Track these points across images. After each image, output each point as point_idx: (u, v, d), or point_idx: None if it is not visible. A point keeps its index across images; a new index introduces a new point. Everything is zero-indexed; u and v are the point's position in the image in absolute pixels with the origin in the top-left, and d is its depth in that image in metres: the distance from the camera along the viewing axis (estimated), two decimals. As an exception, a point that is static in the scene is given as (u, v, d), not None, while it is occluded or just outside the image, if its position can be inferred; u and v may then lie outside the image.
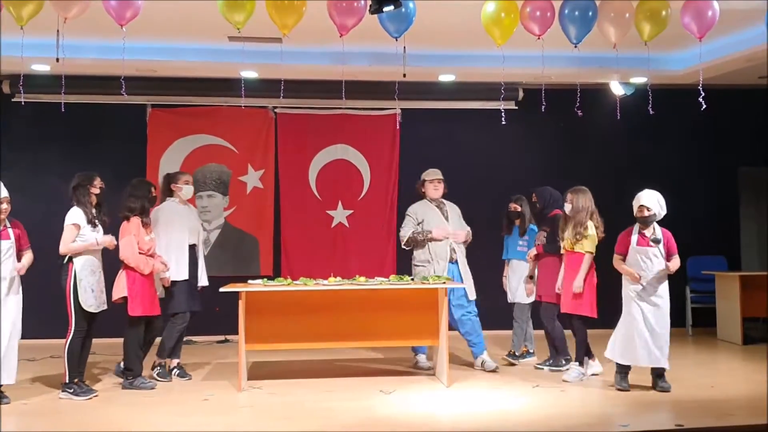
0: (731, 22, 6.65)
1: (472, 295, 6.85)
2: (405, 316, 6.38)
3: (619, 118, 7.07)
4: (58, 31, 5.56)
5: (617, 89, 8.58)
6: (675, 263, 5.87)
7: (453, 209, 7.09)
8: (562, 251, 6.48)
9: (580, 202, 6.40)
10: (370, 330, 6.37)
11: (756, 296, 8.27)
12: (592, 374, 6.49)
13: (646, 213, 5.91)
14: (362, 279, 6.43)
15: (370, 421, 5.10)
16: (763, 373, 6.48)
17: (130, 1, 5.37)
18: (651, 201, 5.93)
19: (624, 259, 6.02)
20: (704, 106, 5.82)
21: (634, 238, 5.98)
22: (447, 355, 6.20)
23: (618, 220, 6.88)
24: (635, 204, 6.00)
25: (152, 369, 6.43)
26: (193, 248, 6.58)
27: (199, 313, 6.69)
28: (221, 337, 8.86)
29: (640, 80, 8.40)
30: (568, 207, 6.46)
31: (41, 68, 7.88)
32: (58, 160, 8.82)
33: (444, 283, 6.31)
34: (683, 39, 6.42)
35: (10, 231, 5.55)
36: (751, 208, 9.88)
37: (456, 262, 6.89)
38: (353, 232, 9.30)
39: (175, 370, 6.56)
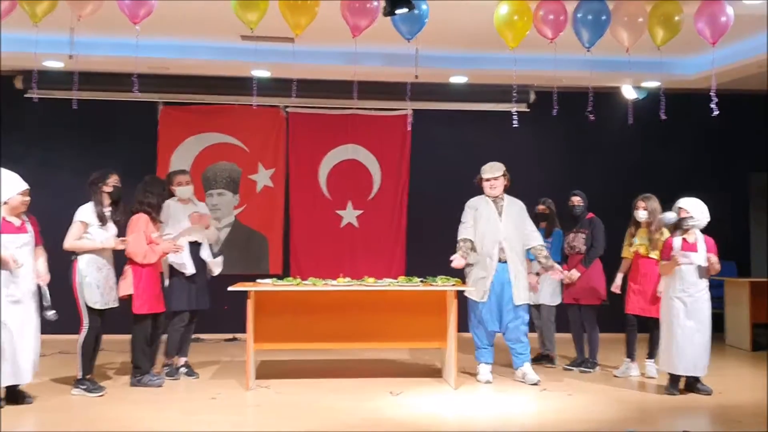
0: (744, 27, 6.62)
1: (518, 300, 6.38)
2: (413, 318, 6.39)
3: (631, 122, 7.07)
4: (71, 28, 5.61)
5: (629, 93, 8.57)
6: (716, 265, 5.95)
7: (512, 207, 6.56)
8: (624, 255, 6.80)
9: (654, 207, 6.60)
10: (379, 331, 6.38)
11: (765, 302, 8.24)
12: (631, 375, 6.73)
13: (684, 215, 5.98)
14: (371, 280, 6.43)
15: (377, 422, 5.11)
16: (772, 380, 6.46)
17: (144, 0, 5.39)
18: (690, 205, 6.02)
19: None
20: (716, 112, 5.81)
21: (677, 242, 6.00)
22: (455, 358, 6.20)
23: (623, 222, 6.91)
24: (675, 207, 6.09)
25: (161, 368, 6.43)
26: (197, 246, 6.56)
27: (205, 312, 6.69)
28: (230, 336, 8.88)
29: (652, 84, 8.38)
30: (643, 214, 6.63)
31: (54, 65, 7.92)
32: (69, 157, 8.87)
33: (453, 285, 6.29)
34: (696, 44, 6.39)
35: (28, 225, 5.53)
36: (762, 214, 9.83)
37: (506, 262, 6.43)
38: (363, 233, 9.31)
39: (183, 368, 6.58)
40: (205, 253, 6.59)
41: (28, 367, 5.40)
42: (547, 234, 7.16)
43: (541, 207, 7.31)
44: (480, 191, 6.63)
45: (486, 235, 6.42)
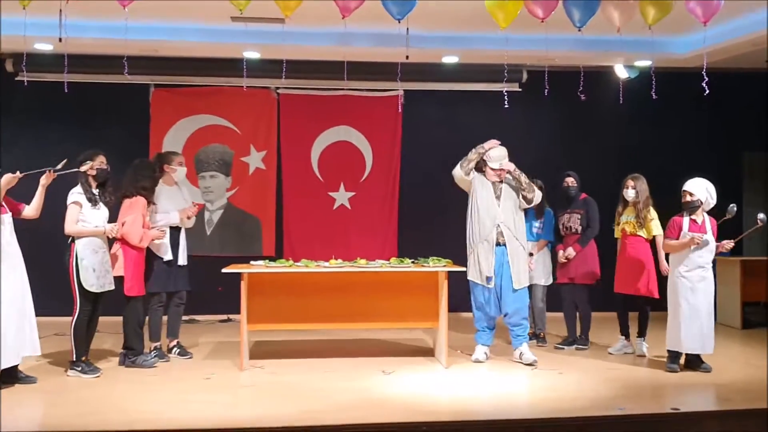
0: (736, 6, 6.61)
1: (518, 284, 6.33)
2: (405, 299, 6.43)
3: (622, 101, 7.07)
4: (60, 10, 5.57)
5: (621, 72, 8.56)
6: (730, 244, 6.07)
7: (511, 189, 6.47)
8: (617, 235, 6.82)
9: (642, 187, 6.64)
10: (371, 312, 6.42)
11: (756, 281, 8.33)
12: (626, 353, 6.81)
13: (689, 198, 6.02)
14: (363, 261, 6.46)
15: (369, 400, 5.16)
16: (762, 357, 6.52)
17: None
18: (695, 187, 6.03)
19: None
20: (707, 91, 5.82)
21: (686, 223, 6.04)
22: (446, 337, 6.25)
23: (615, 202, 6.94)
24: (682, 190, 6.12)
25: (150, 353, 6.37)
26: (176, 230, 6.54)
27: (199, 293, 6.71)
28: (224, 317, 8.93)
29: (644, 63, 8.37)
30: (631, 193, 6.66)
31: (44, 47, 7.87)
32: (60, 140, 8.81)
33: (444, 266, 6.33)
34: (688, 22, 6.38)
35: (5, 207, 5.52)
36: (755, 194, 9.86)
37: (504, 245, 6.38)
38: (355, 214, 9.33)
39: (175, 349, 6.61)
40: (182, 241, 6.59)
41: (8, 351, 5.34)
42: (538, 214, 7.15)
43: None
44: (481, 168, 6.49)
45: (484, 219, 6.37)
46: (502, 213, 6.38)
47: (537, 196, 6.51)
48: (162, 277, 6.42)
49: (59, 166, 5.60)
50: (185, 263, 6.62)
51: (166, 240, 6.40)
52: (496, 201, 6.41)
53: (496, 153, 6.43)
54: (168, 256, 6.42)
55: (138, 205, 6.08)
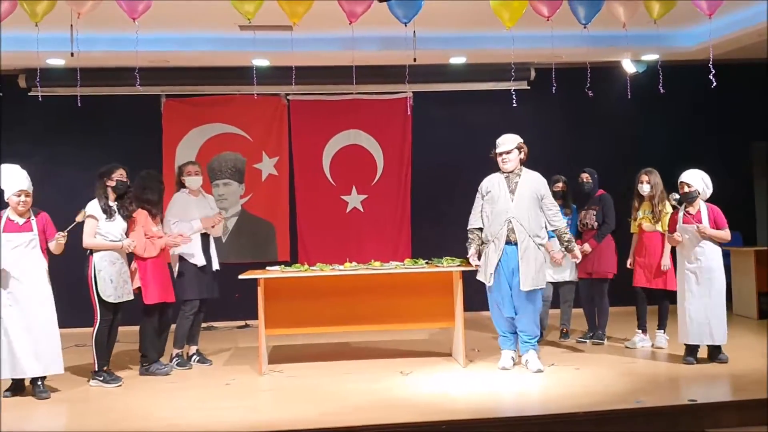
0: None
1: (524, 286, 5.87)
2: (420, 299, 6.46)
3: (630, 96, 7.08)
4: (71, 25, 5.65)
5: (629, 67, 8.56)
6: (722, 234, 6.00)
7: (528, 183, 6.05)
8: (634, 231, 6.84)
9: (656, 181, 6.69)
10: (386, 314, 6.46)
11: (771, 271, 8.31)
12: (643, 346, 6.85)
13: (686, 189, 6.06)
14: (377, 264, 6.50)
15: (388, 401, 5.20)
16: (778, 347, 6.53)
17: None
18: (691, 178, 6.08)
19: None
20: (714, 84, 5.83)
21: (680, 215, 6.11)
22: (463, 337, 6.28)
23: (630, 197, 6.96)
24: (679, 182, 6.15)
25: (170, 360, 6.51)
26: (206, 237, 6.69)
27: (217, 300, 6.80)
28: (242, 323, 9.00)
29: (651, 57, 8.37)
30: (646, 188, 6.72)
31: (56, 62, 7.98)
32: (75, 153, 8.95)
33: (458, 265, 6.36)
34: (694, 15, 6.38)
35: (34, 223, 5.63)
36: (765, 183, 9.84)
37: (515, 244, 5.97)
38: (368, 217, 9.38)
39: (195, 356, 6.70)
40: (212, 246, 6.74)
41: (29, 362, 5.48)
42: (567, 211, 7.21)
43: (560, 185, 7.31)
44: (497, 167, 6.19)
45: (495, 215, 6.00)
46: (515, 207, 5.96)
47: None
48: (195, 283, 6.52)
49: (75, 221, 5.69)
50: (218, 268, 6.75)
51: (198, 245, 6.52)
52: (509, 195, 6.00)
53: (501, 138, 6.14)
54: (201, 261, 6.53)
55: (139, 219, 6.19)
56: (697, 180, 6.08)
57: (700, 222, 6.01)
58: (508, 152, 6.04)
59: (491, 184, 6.13)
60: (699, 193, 6.08)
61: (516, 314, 6.04)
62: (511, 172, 6.07)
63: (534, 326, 6.09)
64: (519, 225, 5.94)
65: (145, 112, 9.11)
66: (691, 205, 6.10)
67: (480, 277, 6.14)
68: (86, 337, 6.09)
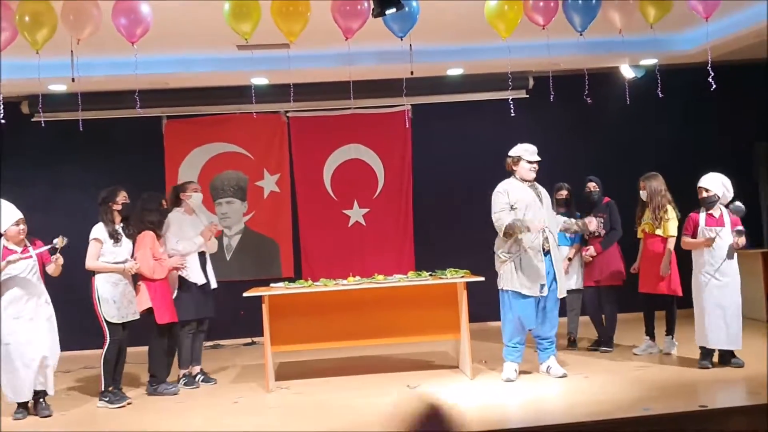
0: (736, -2, 6.62)
1: (562, 293, 6.05)
2: (426, 312, 6.46)
3: (630, 101, 7.08)
4: (71, 51, 5.69)
5: (627, 72, 8.57)
6: (742, 239, 5.97)
7: (545, 192, 6.16)
8: (639, 236, 6.82)
9: (653, 186, 6.65)
10: (392, 327, 6.46)
11: (780, 273, 8.26)
12: (651, 353, 6.80)
13: (705, 194, 6.06)
14: (381, 277, 6.50)
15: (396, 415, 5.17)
16: (788, 349, 6.48)
17: (140, 19, 5.48)
18: (710, 182, 6.07)
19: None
20: (713, 86, 5.82)
21: (702, 218, 6.08)
22: (469, 348, 6.27)
23: (634, 203, 6.95)
24: (697, 187, 6.15)
25: (178, 381, 6.50)
26: (202, 255, 6.67)
27: (222, 318, 6.80)
28: (248, 340, 8.99)
29: (649, 62, 8.37)
30: (643, 194, 6.70)
31: (58, 88, 8.03)
32: (78, 177, 8.98)
33: (462, 277, 6.35)
34: (691, 18, 6.36)
35: (32, 250, 5.72)
36: (768, 183, 9.81)
37: (549, 253, 6.00)
38: (370, 231, 9.38)
39: (199, 375, 6.69)
40: (209, 264, 6.73)
41: (29, 385, 5.60)
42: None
43: (564, 192, 7.29)
44: (508, 174, 6.17)
45: (528, 224, 5.87)
46: (546, 216, 5.99)
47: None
48: (192, 304, 6.50)
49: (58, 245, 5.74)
50: (215, 287, 6.75)
51: (196, 264, 6.52)
52: (540, 204, 5.99)
53: (527, 147, 6.13)
54: (201, 279, 6.54)
55: (145, 240, 6.20)
56: (716, 184, 6.06)
57: (722, 225, 5.99)
58: (539, 162, 6.12)
59: (512, 189, 6.04)
60: (719, 197, 6.06)
61: (541, 322, 6.08)
62: (533, 181, 6.15)
63: (549, 330, 6.15)
64: (550, 234, 6.05)
65: (147, 133, 9.15)
66: (710, 209, 6.08)
67: (514, 286, 5.92)
68: (94, 359, 6.09)
